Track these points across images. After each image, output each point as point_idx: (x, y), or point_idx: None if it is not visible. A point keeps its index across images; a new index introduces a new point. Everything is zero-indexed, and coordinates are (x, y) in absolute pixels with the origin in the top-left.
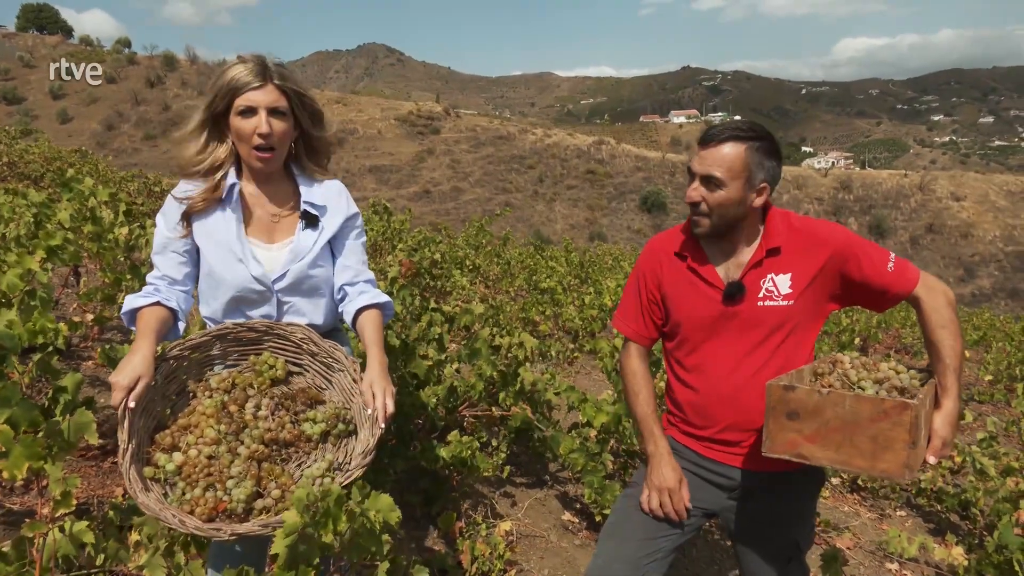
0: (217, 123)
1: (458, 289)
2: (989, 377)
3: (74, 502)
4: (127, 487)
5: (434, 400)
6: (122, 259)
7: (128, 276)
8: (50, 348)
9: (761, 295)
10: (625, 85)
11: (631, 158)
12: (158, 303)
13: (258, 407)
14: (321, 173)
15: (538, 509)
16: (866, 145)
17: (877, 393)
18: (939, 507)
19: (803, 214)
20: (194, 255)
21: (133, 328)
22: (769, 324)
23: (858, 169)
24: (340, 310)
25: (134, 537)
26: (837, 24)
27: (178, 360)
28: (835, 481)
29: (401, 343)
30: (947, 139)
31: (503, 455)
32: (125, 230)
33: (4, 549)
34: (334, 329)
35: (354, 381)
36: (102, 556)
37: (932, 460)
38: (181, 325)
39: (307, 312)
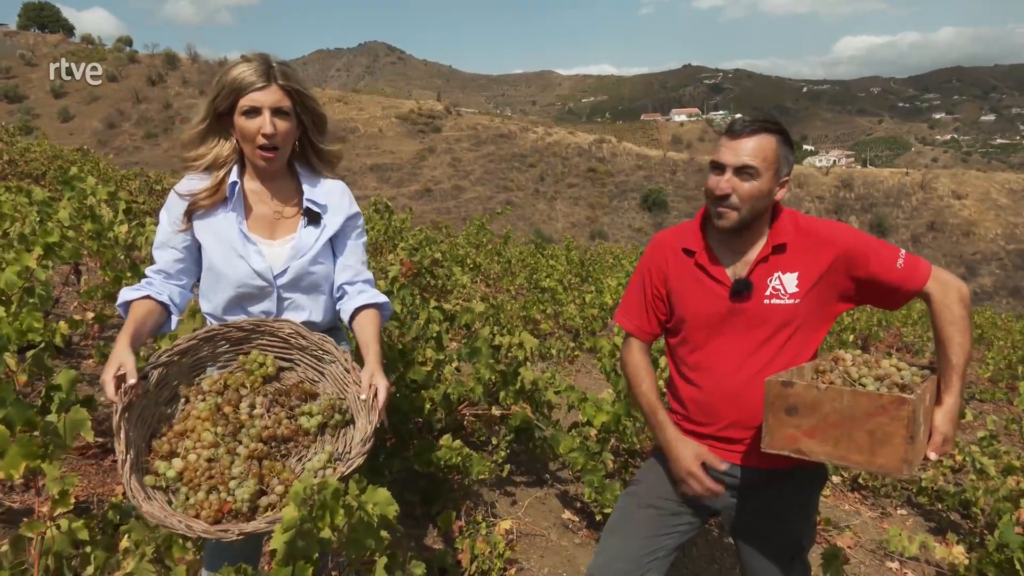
0: (221, 120)
1: (459, 287)
2: (988, 375)
3: (72, 501)
4: (130, 499)
5: (428, 405)
6: (122, 257)
7: (128, 274)
8: (42, 344)
9: (768, 293)
10: (626, 83)
11: (632, 156)
12: (148, 296)
13: (253, 406)
14: (328, 172)
15: (538, 508)
16: (867, 143)
17: (877, 389)
18: (940, 506)
19: (805, 213)
20: (194, 251)
21: None
22: (775, 322)
23: (859, 167)
24: (338, 308)
25: (124, 544)
26: (838, 22)
27: (168, 366)
28: (836, 480)
29: (399, 351)
30: (949, 137)
31: (503, 454)
32: (125, 228)
33: (3, 548)
34: (333, 327)
35: (346, 371)
36: (90, 567)
37: (933, 456)
38: (174, 319)
39: (307, 308)
